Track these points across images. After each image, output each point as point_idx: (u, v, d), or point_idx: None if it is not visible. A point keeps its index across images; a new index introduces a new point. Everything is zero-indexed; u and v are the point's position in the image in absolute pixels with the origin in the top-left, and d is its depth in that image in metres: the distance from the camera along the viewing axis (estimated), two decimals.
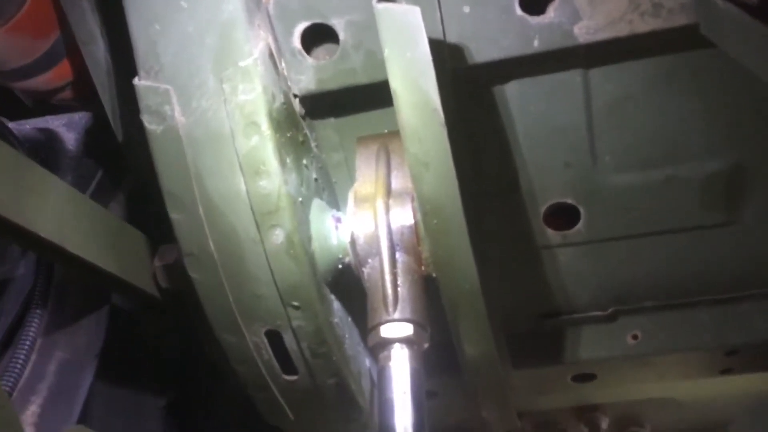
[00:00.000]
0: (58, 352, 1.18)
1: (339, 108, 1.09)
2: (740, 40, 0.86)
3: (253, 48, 0.91)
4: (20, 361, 1.11)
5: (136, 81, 0.92)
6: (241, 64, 0.90)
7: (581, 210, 1.17)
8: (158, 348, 1.37)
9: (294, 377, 1.08)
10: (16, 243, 1.07)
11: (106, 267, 1.06)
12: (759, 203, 1.14)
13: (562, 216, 1.18)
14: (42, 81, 1.27)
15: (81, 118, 1.36)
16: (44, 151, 1.31)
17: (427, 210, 0.91)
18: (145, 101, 0.92)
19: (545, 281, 1.26)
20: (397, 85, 0.86)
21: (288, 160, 0.95)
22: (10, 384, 1.09)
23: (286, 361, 1.06)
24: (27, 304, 1.17)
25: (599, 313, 1.31)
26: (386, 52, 0.86)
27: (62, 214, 1.01)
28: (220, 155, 0.92)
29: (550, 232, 1.20)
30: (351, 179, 1.16)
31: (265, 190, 0.92)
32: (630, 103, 1.07)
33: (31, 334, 1.14)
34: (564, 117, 1.09)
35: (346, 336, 1.10)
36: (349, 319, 1.13)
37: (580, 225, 1.18)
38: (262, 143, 0.91)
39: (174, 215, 0.96)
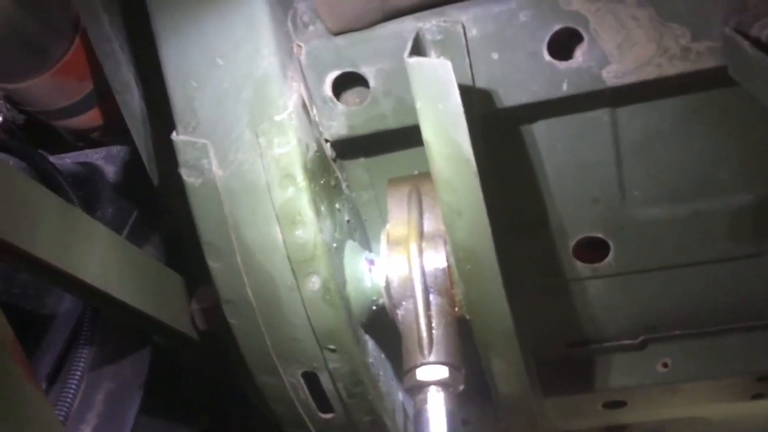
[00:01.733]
0: (105, 383, 1.21)
1: (369, 149, 1.11)
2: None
3: (287, 101, 0.93)
4: (72, 392, 1.15)
5: (174, 136, 0.95)
6: (277, 118, 0.92)
7: (610, 243, 1.18)
8: (195, 379, 1.39)
9: (330, 415, 1.10)
10: (63, 289, 1.10)
11: (147, 310, 1.09)
12: None
13: (592, 249, 1.19)
14: (84, 120, 1.31)
15: (119, 151, 1.40)
16: (86, 184, 1.34)
17: (460, 257, 0.93)
18: (184, 156, 0.95)
19: (575, 311, 1.27)
20: (429, 136, 0.88)
21: (322, 208, 0.97)
22: (63, 413, 1.12)
23: (322, 401, 1.08)
24: (73, 337, 1.21)
25: (629, 341, 1.31)
26: (418, 105, 0.87)
27: (106, 261, 1.04)
28: (257, 206, 0.94)
29: (579, 264, 1.21)
30: (381, 217, 1.18)
31: (301, 240, 0.94)
32: (658, 140, 1.08)
33: (81, 365, 1.17)
34: (592, 154, 1.10)
35: (380, 373, 1.12)
36: (383, 355, 1.15)
37: (609, 258, 1.19)
38: (297, 194, 0.93)
39: (212, 264, 0.98)
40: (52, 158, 1.35)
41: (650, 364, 1.33)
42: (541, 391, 1.28)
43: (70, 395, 1.15)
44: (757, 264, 1.18)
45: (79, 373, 1.17)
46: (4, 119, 1.38)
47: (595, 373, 1.35)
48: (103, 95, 1.26)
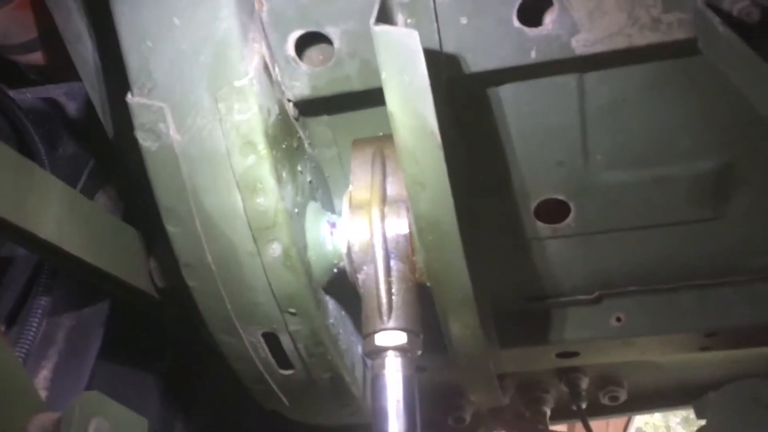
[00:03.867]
0: (65, 320, 1.22)
1: (332, 107, 1.09)
2: (735, 65, 0.87)
3: (248, 66, 0.89)
4: (32, 330, 1.15)
5: (129, 98, 0.91)
6: (237, 84, 0.89)
7: (571, 205, 1.18)
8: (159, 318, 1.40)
9: (290, 371, 1.11)
10: (17, 243, 1.08)
11: (104, 267, 1.08)
12: (744, 200, 1.17)
13: (553, 210, 1.20)
14: (44, 56, 1.26)
15: (81, 87, 1.35)
16: (47, 120, 1.31)
17: (422, 227, 0.93)
18: (139, 119, 0.91)
19: (534, 268, 1.29)
20: (394, 108, 0.86)
21: (284, 174, 0.95)
22: (23, 352, 1.13)
23: (282, 359, 1.09)
24: (33, 278, 1.20)
25: (585, 296, 1.34)
26: (383, 75, 0.85)
27: (61, 216, 1.03)
28: (216, 173, 0.92)
29: (540, 225, 1.22)
30: (344, 174, 1.16)
31: (262, 207, 0.93)
32: (624, 106, 1.07)
33: (41, 304, 1.17)
34: (557, 118, 1.09)
35: (340, 332, 1.13)
36: (343, 312, 1.16)
37: (569, 219, 1.20)
38: (258, 162, 0.91)
39: (171, 228, 0.97)
40: (12, 93, 1.31)
41: (604, 318, 1.37)
42: (499, 343, 1.31)
43: (31, 334, 1.15)
44: (713, 227, 1.20)
45: (39, 311, 1.17)
46: None
47: (551, 327, 1.39)
48: None
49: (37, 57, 1.31)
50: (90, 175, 1.27)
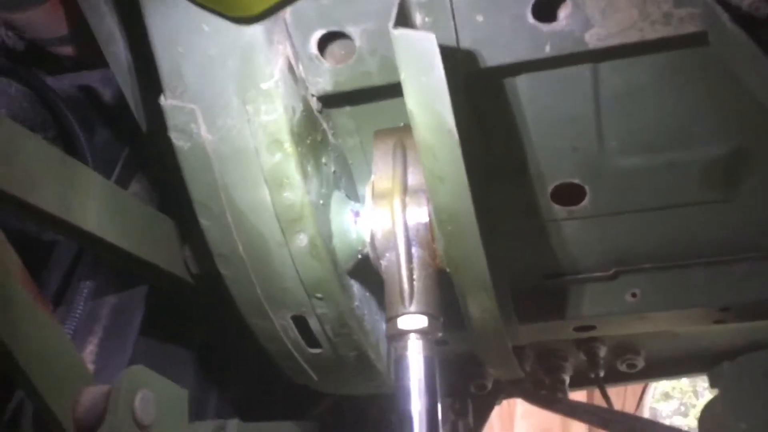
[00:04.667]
0: (108, 299, 1.29)
1: (355, 100, 1.13)
2: (743, 60, 0.89)
3: (273, 69, 0.94)
4: (78, 309, 1.22)
5: (162, 100, 0.96)
6: (263, 86, 0.93)
7: (587, 189, 1.22)
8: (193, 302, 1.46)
9: (318, 350, 1.18)
10: (63, 235, 1.15)
11: (142, 255, 1.14)
12: (755, 183, 1.19)
13: (569, 193, 1.24)
14: (82, 48, 1.30)
15: None
16: (84, 107, 1.36)
17: (442, 218, 0.97)
18: (172, 120, 0.97)
19: (551, 248, 1.33)
20: (413, 107, 0.90)
21: (309, 168, 1.00)
22: (71, 329, 1.20)
23: (310, 339, 1.15)
24: (76, 262, 1.27)
25: (601, 273, 1.38)
26: (402, 76, 0.89)
27: (102, 208, 1.09)
28: (245, 170, 0.97)
29: (556, 207, 1.25)
30: (367, 161, 1.21)
31: (289, 201, 0.98)
32: (638, 94, 1.10)
33: (86, 285, 1.24)
34: (572, 107, 1.12)
35: (365, 312, 1.19)
36: (368, 293, 1.22)
37: (585, 202, 1.24)
38: (285, 159, 0.96)
39: (204, 221, 1.03)
40: (49, 80, 1.35)
41: (620, 294, 1.41)
42: (517, 318, 1.36)
43: (77, 313, 1.22)
44: (724, 209, 1.24)
45: (85, 291, 1.24)
46: (5, 45, 1.37)
47: (568, 302, 1.43)
48: None
49: (73, 49, 1.36)
50: (124, 164, 1.33)
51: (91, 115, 1.38)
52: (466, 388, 2.00)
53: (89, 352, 1.25)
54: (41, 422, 0.93)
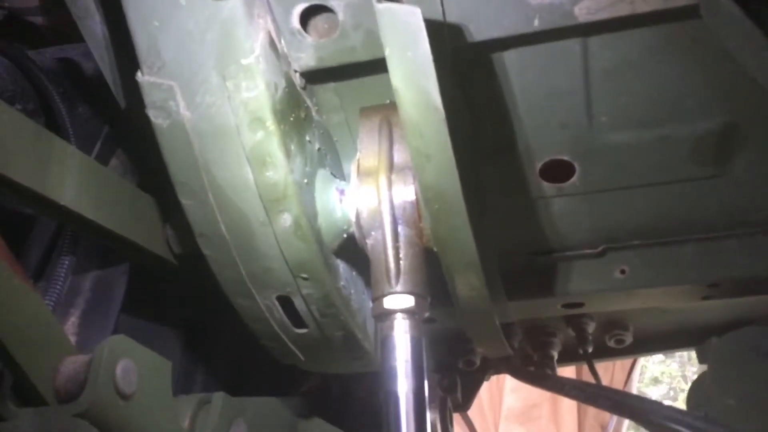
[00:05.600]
0: (90, 273, 1.27)
1: (339, 75, 1.10)
2: (735, 35, 0.87)
3: (254, 44, 0.91)
4: (59, 283, 1.20)
5: (139, 77, 0.93)
6: (243, 62, 0.91)
7: (576, 165, 1.21)
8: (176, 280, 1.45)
9: (304, 330, 1.16)
10: (38, 211, 1.12)
11: (122, 232, 1.12)
12: (746, 158, 1.18)
13: (558, 169, 1.22)
14: (62, 17, 1.26)
15: None
16: (66, 80, 1.32)
17: (429, 197, 0.95)
18: (150, 97, 0.94)
19: (540, 225, 1.32)
20: (398, 84, 0.88)
21: (292, 147, 0.98)
22: (51, 301, 1.18)
23: (296, 319, 1.14)
24: (56, 237, 1.24)
25: (590, 250, 1.38)
26: (387, 51, 0.87)
27: (80, 183, 1.06)
28: (226, 148, 0.95)
29: (545, 184, 1.24)
30: (352, 138, 1.18)
31: (272, 180, 0.96)
32: (628, 69, 1.08)
33: (66, 260, 1.22)
34: (561, 82, 1.10)
35: (352, 292, 1.17)
36: (354, 273, 1.20)
37: (574, 178, 1.22)
38: (267, 137, 0.94)
39: (185, 200, 1.00)
40: (31, 53, 1.32)
41: (609, 271, 1.40)
42: (506, 296, 1.36)
43: (58, 286, 1.20)
44: (715, 184, 1.23)
45: (65, 265, 1.22)
46: None
47: (556, 280, 1.43)
48: None
49: (53, 18, 1.32)
50: (105, 139, 1.30)
51: (72, 88, 1.35)
52: (454, 364, 2.00)
53: (71, 324, 1.23)
54: (21, 391, 0.91)
